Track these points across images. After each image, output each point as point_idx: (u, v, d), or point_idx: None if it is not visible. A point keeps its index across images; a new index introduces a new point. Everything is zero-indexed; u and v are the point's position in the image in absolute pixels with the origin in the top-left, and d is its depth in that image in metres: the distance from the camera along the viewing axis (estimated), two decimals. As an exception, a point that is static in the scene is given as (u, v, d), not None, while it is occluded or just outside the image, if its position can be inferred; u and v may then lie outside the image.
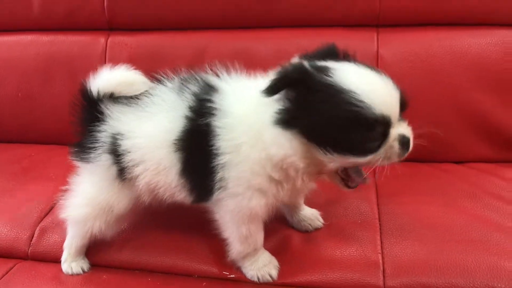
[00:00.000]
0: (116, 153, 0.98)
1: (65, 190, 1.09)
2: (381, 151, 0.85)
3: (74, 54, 1.58)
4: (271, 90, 0.84)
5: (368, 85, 0.82)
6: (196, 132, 0.92)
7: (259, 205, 0.93)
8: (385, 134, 0.85)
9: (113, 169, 1.00)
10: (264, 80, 0.91)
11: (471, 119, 1.38)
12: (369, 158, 0.85)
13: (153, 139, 0.96)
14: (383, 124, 0.83)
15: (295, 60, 0.92)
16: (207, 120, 0.91)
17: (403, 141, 0.86)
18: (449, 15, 1.40)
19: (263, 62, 1.41)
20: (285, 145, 0.86)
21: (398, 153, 0.87)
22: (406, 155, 0.88)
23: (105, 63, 1.55)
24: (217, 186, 0.92)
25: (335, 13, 1.44)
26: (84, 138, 1.02)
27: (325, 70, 0.84)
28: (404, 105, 0.86)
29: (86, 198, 1.05)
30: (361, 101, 0.80)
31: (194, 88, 0.96)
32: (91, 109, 1.01)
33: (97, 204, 1.04)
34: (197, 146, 0.92)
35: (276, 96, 0.85)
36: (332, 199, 1.20)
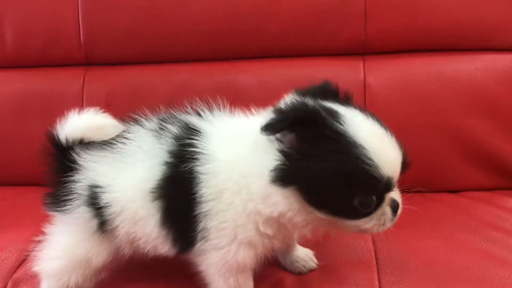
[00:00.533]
0: (96, 205, 0.91)
1: (39, 240, 1.01)
2: (374, 215, 0.81)
3: (50, 90, 1.51)
4: (272, 128, 0.75)
5: (378, 143, 0.77)
6: (176, 179, 0.85)
7: (248, 257, 0.86)
8: (382, 197, 0.80)
9: (94, 222, 0.93)
10: (249, 117, 0.86)
11: (463, 146, 1.34)
12: (362, 221, 0.81)
13: (129, 190, 0.89)
14: (385, 186, 0.78)
15: (291, 96, 0.85)
16: (189, 166, 0.84)
17: (394, 206, 0.83)
18: (435, 41, 1.37)
19: (247, 94, 1.39)
20: (282, 203, 0.79)
21: (390, 218, 0.83)
22: (396, 219, 0.84)
23: (82, 99, 1.49)
24: (199, 236, 0.85)
25: (319, 42, 1.40)
26: (58, 189, 0.95)
27: (335, 115, 0.77)
28: (404, 168, 0.81)
29: (62, 250, 0.97)
30: (370, 159, 0.74)
31: (174, 130, 0.89)
32: (62, 158, 0.95)
33: (73, 257, 0.96)
34: (178, 194, 0.85)
35: (270, 138, 0.78)
36: (325, 237, 1.14)
